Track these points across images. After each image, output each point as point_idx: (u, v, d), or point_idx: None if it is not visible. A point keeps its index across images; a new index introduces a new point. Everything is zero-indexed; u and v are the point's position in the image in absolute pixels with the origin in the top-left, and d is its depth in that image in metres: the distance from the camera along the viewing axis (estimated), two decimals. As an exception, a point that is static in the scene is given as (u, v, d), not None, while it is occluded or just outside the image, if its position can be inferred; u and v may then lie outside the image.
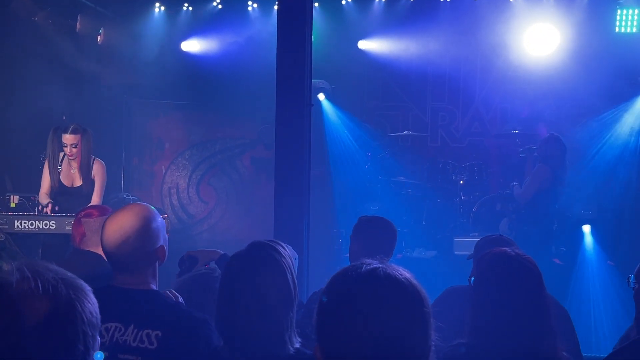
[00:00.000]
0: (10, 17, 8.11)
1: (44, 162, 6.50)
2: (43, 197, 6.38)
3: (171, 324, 2.44)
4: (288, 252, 2.37)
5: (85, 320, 1.42)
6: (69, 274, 1.46)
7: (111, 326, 2.44)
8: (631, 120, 8.62)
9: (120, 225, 2.54)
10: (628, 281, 2.76)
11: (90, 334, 1.44)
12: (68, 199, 6.33)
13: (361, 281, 1.46)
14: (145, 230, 2.54)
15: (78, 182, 6.43)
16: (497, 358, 2.39)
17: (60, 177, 6.42)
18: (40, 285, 1.38)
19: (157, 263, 2.61)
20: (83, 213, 3.94)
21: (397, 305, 1.41)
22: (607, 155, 8.52)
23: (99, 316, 1.48)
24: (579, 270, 7.56)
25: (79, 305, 1.41)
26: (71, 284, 1.43)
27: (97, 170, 6.48)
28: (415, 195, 8.63)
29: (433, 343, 1.48)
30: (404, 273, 1.48)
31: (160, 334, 2.41)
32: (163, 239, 2.62)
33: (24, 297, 1.36)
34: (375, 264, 1.49)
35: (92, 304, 1.46)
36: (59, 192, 6.41)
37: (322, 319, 1.46)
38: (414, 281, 1.48)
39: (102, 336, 2.29)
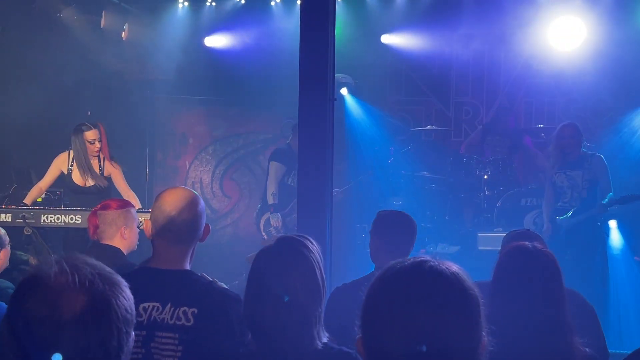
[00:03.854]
0: (35, 13, 8.20)
1: (58, 158, 6.56)
2: (36, 191, 6.54)
3: (206, 301, 2.51)
4: (317, 247, 2.38)
5: (120, 316, 1.42)
6: (107, 268, 1.47)
7: (149, 305, 2.51)
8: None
9: (181, 196, 2.67)
10: None
11: (125, 330, 1.44)
12: (85, 198, 6.41)
13: (404, 274, 1.42)
14: (200, 205, 2.70)
15: (92, 181, 6.51)
16: (513, 352, 2.38)
17: (73, 178, 6.48)
18: (77, 279, 1.39)
19: (198, 241, 2.72)
20: (100, 205, 3.98)
21: (438, 300, 1.36)
22: (634, 149, 8.41)
23: (134, 312, 1.48)
24: (607, 266, 7.48)
25: (114, 301, 1.42)
26: (108, 279, 1.44)
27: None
28: (438, 190, 8.58)
29: (482, 344, 1.42)
30: (452, 268, 1.43)
31: (196, 311, 2.48)
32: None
33: (61, 291, 1.37)
34: (424, 258, 1.45)
35: (127, 300, 1.46)
36: (74, 191, 6.51)
37: (365, 311, 1.44)
38: (462, 277, 1.42)
39: (139, 315, 2.39)
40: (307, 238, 2.40)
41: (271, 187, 7.92)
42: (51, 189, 6.90)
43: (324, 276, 2.35)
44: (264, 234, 7.81)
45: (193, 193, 2.73)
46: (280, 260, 2.28)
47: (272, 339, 2.21)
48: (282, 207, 7.85)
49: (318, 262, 2.32)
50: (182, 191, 2.72)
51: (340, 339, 2.47)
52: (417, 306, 1.35)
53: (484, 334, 1.43)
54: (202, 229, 2.70)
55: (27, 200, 6.44)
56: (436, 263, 1.42)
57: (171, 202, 2.64)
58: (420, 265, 1.42)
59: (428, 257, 1.45)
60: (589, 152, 6.93)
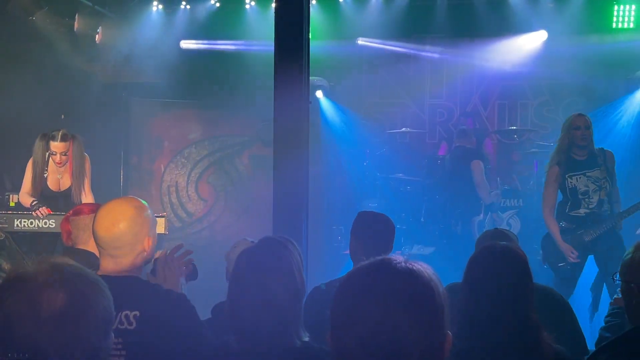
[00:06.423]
0: (7, 16, 8.12)
1: (28, 163, 6.43)
2: (25, 196, 6.33)
3: (149, 303, 2.53)
4: (297, 249, 2.45)
5: (98, 315, 1.48)
6: (87, 269, 1.53)
7: None
8: (629, 115, 8.66)
9: (112, 210, 2.65)
10: (613, 279, 2.80)
11: (103, 328, 1.49)
12: (54, 203, 6.31)
13: (362, 272, 1.50)
14: (135, 219, 2.64)
15: (65, 186, 6.40)
16: (481, 351, 2.43)
17: (47, 182, 6.38)
18: (57, 278, 1.45)
19: (142, 254, 2.68)
20: (72, 211, 3.97)
21: (391, 296, 1.42)
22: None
23: (112, 312, 1.54)
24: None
25: (93, 301, 1.48)
26: (88, 279, 1.51)
27: (87, 168, 6.47)
28: (413, 192, 8.65)
29: (446, 341, 1.46)
30: (413, 266, 1.48)
31: (138, 314, 2.50)
32: (152, 234, 2.70)
33: (42, 289, 1.43)
34: (390, 257, 1.50)
35: (106, 300, 1.52)
36: (44, 196, 6.36)
37: (331, 306, 1.50)
38: (420, 274, 1.46)
39: None
40: (288, 240, 2.46)
41: (486, 186, 7.78)
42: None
43: (304, 277, 2.39)
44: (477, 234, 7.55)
45: (125, 206, 2.67)
46: (260, 261, 2.33)
47: (252, 338, 2.25)
48: (495, 205, 7.80)
49: (297, 264, 2.38)
50: (113, 205, 2.68)
51: (317, 337, 2.51)
52: (371, 301, 1.42)
53: (447, 331, 1.47)
54: (136, 242, 2.64)
55: (27, 204, 6.29)
56: (398, 261, 1.48)
57: (98, 217, 2.64)
58: (378, 263, 1.49)
59: (395, 257, 1.50)
60: (597, 147, 6.05)
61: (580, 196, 5.90)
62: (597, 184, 5.88)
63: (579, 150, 5.90)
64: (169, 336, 2.47)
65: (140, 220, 2.66)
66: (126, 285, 2.58)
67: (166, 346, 2.45)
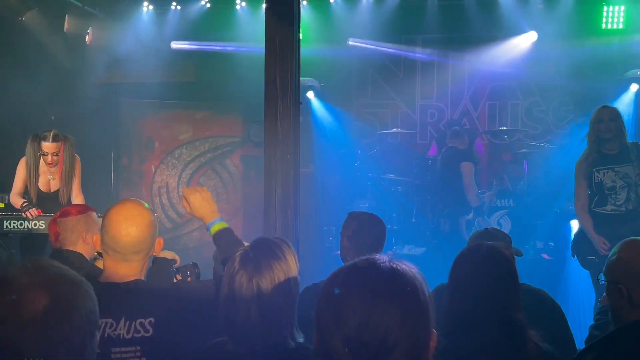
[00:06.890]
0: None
1: (18, 163, 6.40)
2: (15, 197, 6.28)
3: (162, 308, 2.50)
4: (292, 251, 2.42)
5: (83, 316, 1.46)
6: (71, 271, 1.51)
7: (101, 322, 2.45)
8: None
9: (131, 215, 2.60)
10: (597, 279, 2.80)
11: (88, 330, 1.48)
12: (45, 204, 6.28)
13: (345, 270, 1.51)
14: (153, 221, 2.64)
15: (55, 187, 6.37)
16: (467, 349, 2.44)
17: (38, 183, 6.35)
18: (40, 279, 1.43)
19: (150, 255, 2.67)
20: (59, 213, 3.96)
21: (372, 293, 1.44)
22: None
23: (97, 313, 1.52)
24: (569, 265, 7.60)
25: (77, 302, 1.45)
26: (71, 280, 1.48)
27: (77, 169, 6.45)
28: (404, 192, 8.66)
29: (431, 339, 1.47)
30: (397, 266, 1.48)
31: (153, 320, 2.47)
32: None
33: (25, 290, 1.41)
34: (375, 256, 1.51)
35: (91, 301, 1.50)
36: (36, 197, 6.33)
37: (316, 307, 1.51)
38: (402, 273, 1.47)
39: None
40: (283, 241, 2.44)
41: (474, 188, 7.70)
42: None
43: (298, 279, 2.37)
44: (466, 236, 7.50)
45: (141, 209, 2.63)
46: (253, 262, 2.30)
47: (246, 339, 2.24)
48: (484, 207, 7.77)
49: (291, 265, 2.35)
50: (128, 208, 2.62)
51: (312, 338, 2.50)
52: (355, 301, 1.43)
53: (432, 329, 1.48)
54: (152, 244, 2.64)
55: (18, 205, 6.24)
56: (382, 261, 1.49)
57: (116, 222, 2.57)
58: (362, 263, 1.50)
59: (379, 256, 1.51)
60: (629, 141, 5.70)
61: (606, 192, 5.61)
62: (626, 180, 5.57)
63: (607, 143, 5.59)
64: (189, 337, 2.45)
65: (154, 222, 2.66)
66: (135, 292, 2.55)
67: (186, 347, 2.42)
